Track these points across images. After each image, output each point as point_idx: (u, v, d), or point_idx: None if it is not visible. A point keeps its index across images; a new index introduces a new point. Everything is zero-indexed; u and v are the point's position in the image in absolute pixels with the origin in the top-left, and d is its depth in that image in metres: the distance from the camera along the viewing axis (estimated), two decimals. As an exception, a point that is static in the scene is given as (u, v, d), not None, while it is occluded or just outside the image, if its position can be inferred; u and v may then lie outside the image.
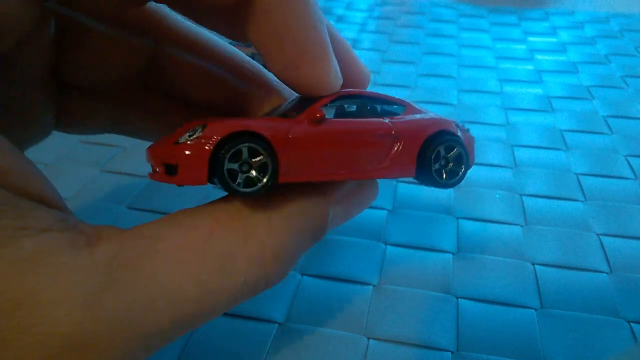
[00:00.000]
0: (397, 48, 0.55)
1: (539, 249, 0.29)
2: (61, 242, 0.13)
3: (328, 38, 0.19)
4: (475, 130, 0.40)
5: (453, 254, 0.29)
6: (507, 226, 0.31)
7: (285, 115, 0.19)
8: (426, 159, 0.20)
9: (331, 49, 0.19)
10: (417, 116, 0.21)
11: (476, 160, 0.36)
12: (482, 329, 0.24)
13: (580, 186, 0.34)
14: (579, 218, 0.31)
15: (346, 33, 0.58)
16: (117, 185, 0.34)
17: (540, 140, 0.39)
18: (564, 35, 0.58)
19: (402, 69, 0.51)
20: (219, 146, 0.16)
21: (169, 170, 0.17)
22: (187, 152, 0.16)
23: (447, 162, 0.21)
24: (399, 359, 0.23)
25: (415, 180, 0.21)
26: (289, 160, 0.17)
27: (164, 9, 0.23)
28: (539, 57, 0.53)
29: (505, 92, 0.46)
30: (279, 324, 0.25)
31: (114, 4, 0.20)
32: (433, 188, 0.21)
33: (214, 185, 0.20)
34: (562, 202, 0.33)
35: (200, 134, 0.16)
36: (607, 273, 0.27)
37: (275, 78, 0.23)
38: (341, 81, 0.20)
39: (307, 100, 0.19)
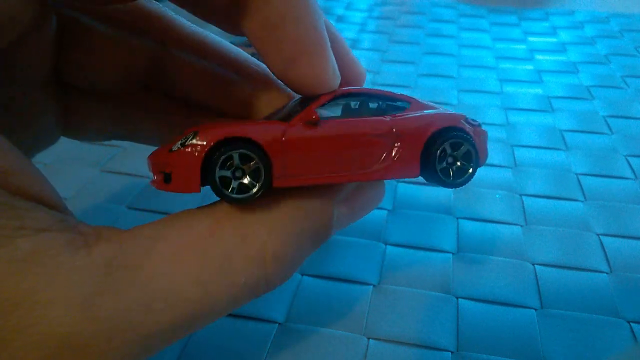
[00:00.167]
0: (397, 48, 0.55)
1: (539, 249, 0.29)
2: (59, 242, 0.13)
3: (326, 34, 0.18)
4: (475, 130, 0.40)
5: (453, 254, 0.29)
6: (507, 226, 0.31)
7: (288, 116, 0.19)
8: (430, 158, 0.19)
9: (329, 46, 0.19)
10: (422, 112, 0.20)
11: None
12: (482, 329, 0.24)
13: (580, 186, 0.34)
14: (579, 218, 0.31)
15: (346, 33, 0.58)
16: (117, 185, 0.34)
17: (540, 140, 0.39)
18: (564, 35, 0.58)
19: (402, 69, 0.51)
20: (210, 153, 0.16)
21: (165, 178, 0.17)
22: (178, 161, 0.16)
23: (455, 160, 0.20)
24: (399, 359, 0.23)
25: (416, 180, 0.20)
26: (284, 164, 0.17)
27: (166, 9, 0.22)
28: (539, 57, 0.53)
29: (505, 92, 0.46)
30: (279, 324, 0.25)
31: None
32: (434, 187, 0.20)
33: None
34: (562, 202, 0.33)
35: (191, 141, 0.16)
36: (607, 273, 0.27)
37: None
38: (339, 79, 0.19)
39: (307, 101, 0.19)
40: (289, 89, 0.23)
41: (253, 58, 0.23)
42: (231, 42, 0.24)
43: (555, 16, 0.63)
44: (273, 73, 0.19)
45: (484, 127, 0.22)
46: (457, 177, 0.20)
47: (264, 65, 0.23)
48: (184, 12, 0.20)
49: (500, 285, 0.27)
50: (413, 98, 0.21)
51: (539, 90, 0.47)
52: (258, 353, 0.23)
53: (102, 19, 0.21)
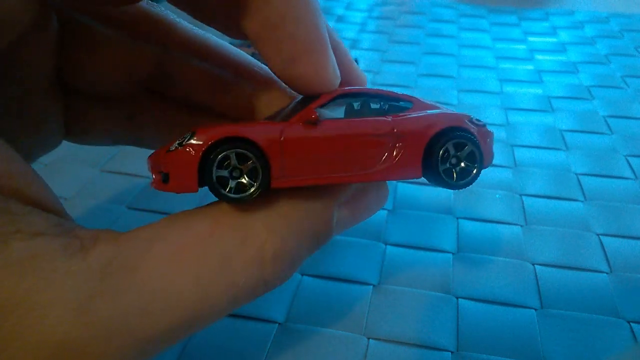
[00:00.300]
0: (397, 48, 0.55)
1: (539, 249, 0.29)
2: (54, 246, 0.13)
3: (326, 33, 0.18)
4: (475, 130, 0.40)
5: (453, 254, 0.29)
6: (507, 226, 0.31)
7: (289, 116, 0.19)
8: (433, 158, 0.18)
9: (329, 45, 0.18)
10: (425, 112, 0.20)
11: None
12: (482, 329, 0.24)
13: (580, 186, 0.34)
14: (579, 218, 0.31)
15: (346, 33, 0.58)
16: (117, 185, 0.34)
17: (540, 140, 0.39)
18: (564, 35, 0.58)
19: (402, 69, 0.51)
20: (207, 153, 0.16)
21: (163, 178, 0.16)
22: (176, 161, 0.16)
23: (459, 161, 0.19)
24: (399, 359, 0.23)
25: (416, 180, 0.20)
26: (283, 164, 0.17)
27: (167, 12, 0.22)
28: (539, 57, 0.53)
29: (505, 92, 0.46)
30: (279, 324, 0.25)
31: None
32: (434, 187, 0.20)
33: None
34: (562, 202, 0.33)
35: (188, 141, 0.16)
36: (607, 273, 0.27)
37: None
38: (339, 79, 0.19)
39: (307, 101, 0.19)
40: (290, 90, 0.23)
41: (254, 59, 0.23)
42: (230, 43, 0.24)
43: (555, 16, 0.63)
44: (274, 72, 0.19)
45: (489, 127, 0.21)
46: (460, 179, 0.19)
47: (266, 67, 0.23)
48: (185, 14, 0.20)
49: (500, 285, 0.27)
50: (416, 98, 0.20)
51: (539, 90, 0.47)
52: (258, 353, 0.23)
53: (104, 21, 0.21)
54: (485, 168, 0.20)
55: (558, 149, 0.38)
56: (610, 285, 0.27)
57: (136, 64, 0.22)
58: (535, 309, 0.25)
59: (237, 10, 0.18)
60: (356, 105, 0.20)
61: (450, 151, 0.19)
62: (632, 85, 0.47)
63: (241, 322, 0.24)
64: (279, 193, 0.18)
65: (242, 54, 0.23)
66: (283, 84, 0.23)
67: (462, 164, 0.19)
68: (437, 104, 0.21)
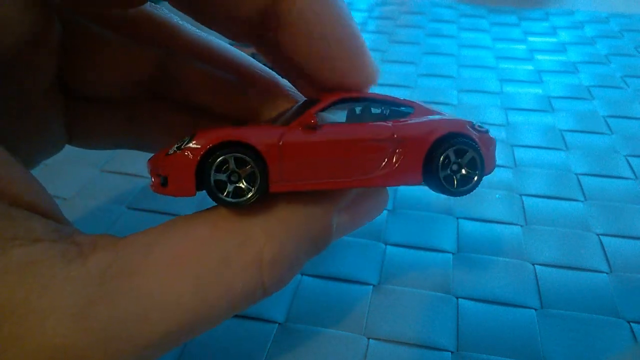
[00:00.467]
0: (397, 48, 0.55)
1: (539, 249, 0.29)
2: (53, 252, 0.13)
3: (359, 33, 0.19)
4: (475, 130, 0.40)
5: (453, 254, 0.29)
6: (507, 226, 0.31)
7: (290, 120, 0.19)
8: (433, 165, 0.18)
9: (364, 44, 0.19)
10: (426, 118, 0.19)
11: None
12: (482, 329, 0.24)
13: (580, 186, 0.34)
14: (579, 218, 0.31)
15: (346, 33, 0.58)
16: (117, 185, 0.34)
17: (540, 140, 0.39)
18: (564, 35, 0.58)
19: (402, 69, 0.51)
20: (205, 157, 0.16)
21: (162, 182, 0.16)
22: (174, 164, 0.16)
23: (460, 168, 0.19)
24: (399, 359, 0.23)
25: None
26: (281, 169, 0.16)
27: (171, 15, 0.22)
28: (539, 57, 0.53)
29: (505, 92, 0.46)
30: (279, 324, 0.25)
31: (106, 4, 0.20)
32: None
33: None
34: (562, 202, 0.33)
35: (187, 145, 0.16)
36: (607, 273, 0.27)
37: (287, 82, 0.23)
38: (379, 71, 0.19)
39: (308, 105, 0.19)
40: (296, 95, 0.23)
41: (258, 63, 0.23)
42: (230, 43, 0.23)
43: (555, 16, 0.63)
44: (312, 77, 0.19)
45: (491, 134, 0.21)
46: (461, 185, 0.19)
47: (269, 70, 0.23)
48: (188, 17, 0.20)
49: (500, 285, 0.27)
50: (417, 103, 0.20)
51: (539, 90, 0.47)
52: (258, 353, 0.23)
53: (107, 25, 0.21)
54: (487, 175, 0.20)
55: (558, 149, 0.38)
56: (610, 285, 0.27)
57: (138, 67, 0.22)
58: (535, 309, 0.25)
59: (265, 26, 0.18)
60: (357, 110, 0.20)
61: (451, 157, 0.19)
62: (632, 85, 0.47)
63: (241, 322, 0.24)
64: (278, 198, 0.17)
65: (245, 57, 0.23)
66: (286, 86, 0.23)
67: (463, 171, 0.19)
68: (438, 110, 0.21)
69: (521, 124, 0.42)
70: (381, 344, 0.23)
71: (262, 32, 0.18)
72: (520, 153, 0.38)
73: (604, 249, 0.29)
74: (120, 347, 0.14)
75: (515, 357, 0.23)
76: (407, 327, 0.24)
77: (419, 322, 0.24)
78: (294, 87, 0.23)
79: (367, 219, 0.21)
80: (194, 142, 0.16)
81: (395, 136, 0.18)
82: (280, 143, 0.17)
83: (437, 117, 0.20)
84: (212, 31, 0.21)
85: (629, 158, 0.37)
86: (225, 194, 0.16)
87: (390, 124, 0.19)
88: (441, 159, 0.18)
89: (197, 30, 0.23)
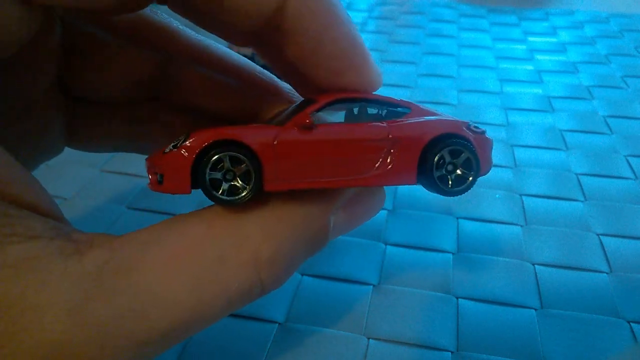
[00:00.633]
0: (397, 48, 0.55)
1: (539, 249, 0.29)
2: (50, 249, 0.13)
3: (361, 40, 0.19)
4: (475, 130, 0.40)
5: (453, 254, 0.29)
6: (507, 226, 0.31)
7: (286, 120, 0.19)
8: (427, 165, 0.18)
9: (368, 52, 0.19)
10: (422, 119, 0.20)
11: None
12: (482, 329, 0.24)
13: (580, 186, 0.34)
14: (579, 218, 0.31)
15: (346, 33, 0.58)
16: (117, 185, 0.34)
17: (540, 140, 0.39)
18: (564, 35, 0.58)
19: (402, 69, 0.51)
20: (200, 156, 0.16)
21: (158, 180, 0.17)
22: (170, 162, 0.16)
23: (455, 168, 0.19)
24: (399, 359, 0.23)
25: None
26: (276, 168, 0.17)
27: (170, 19, 0.22)
28: (539, 57, 0.53)
29: (505, 92, 0.47)
30: (279, 324, 0.25)
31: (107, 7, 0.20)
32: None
33: None
34: (562, 202, 0.33)
35: (182, 143, 0.16)
36: (607, 273, 0.27)
37: (286, 85, 0.23)
38: (381, 76, 0.20)
39: (305, 104, 0.19)
40: (295, 96, 0.23)
41: (257, 66, 0.23)
42: (227, 45, 0.24)
43: (555, 16, 0.63)
44: (317, 84, 0.19)
45: (483, 128, 0.21)
46: (456, 186, 0.19)
47: (267, 72, 0.23)
48: (187, 21, 0.20)
49: (500, 285, 0.27)
50: (414, 104, 0.20)
51: (539, 90, 0.47)
52: (258, 353, 0.23)
53: (107, 29, 0.21)
54: (482, 176, 0.20)
55: (558, 149, 0.38)
56: (610, 285, 0.27)
57: (138, 71, 0.22)
58: (535, 309, 0.25)
59: (269, 36, 0.18)
60: (355, 110, 0.20)
61: (446, 158, 0.19)
62: (632, 85, 0.47)
63: (241, 322, 0.24)
64: (275, 197, 0.17)
65: (245, 61, 0.23)
66: (285, 89, 0.23)
67: (458, 171, 0.19)
68: (435, 110, 0.21)
69: (521, 124, 0.42)
70: (381, 344, 0.24)
71: (260, 35, 0.18)
72: (520, 153, 0.38)
73: (604, 249, 0.29)
74: (116, 344, 0.14)
75: (515, 357, 0.23)
76: (407, 327, 0.24)
77: (419, 322, 0.24)
78: (293, 89, 0.23)
79: (364, 218, 0.21)
80: (189, 140, 0.16)
81: (390, 136, 0.18)
82: (275, 142, 0.17)
83: (433, 117, 0.20)
84: (210, 33, 0.21)
85: (629, 158, 0.37)
86: (220, 192, 0.16)
87: (385, 124, 0.19)
88: (436, 159, 0.19)
89: (196, 34, 0.23)
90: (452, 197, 0.33)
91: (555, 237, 0.30)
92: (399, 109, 0.20)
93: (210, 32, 0.20)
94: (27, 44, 0.17)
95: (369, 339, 0.24)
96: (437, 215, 0.31)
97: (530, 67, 0.51)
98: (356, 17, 0.63)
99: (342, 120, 0.20)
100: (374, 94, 0.20)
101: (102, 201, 0.32)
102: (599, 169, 0.36)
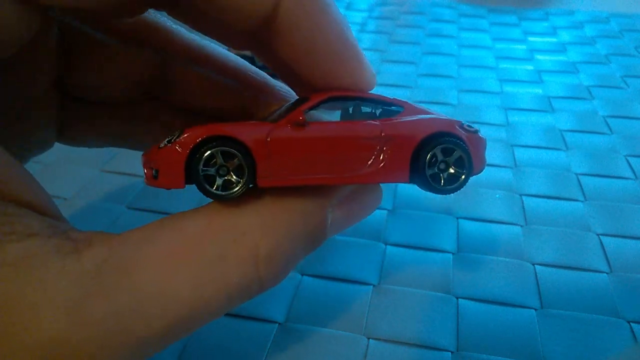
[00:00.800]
0: (397, 48, 0.55)
1: (539, 249, 0.29)
2: (47, 247, 0.13)
3: (355, 40, 0.19)
4: (475, 130, 0.40)
5: (453, 254, 0.29)
6: (507, 226, 0.31)
7: (280, 117, 0.19)
8: (419, 163, 0.19)
9: (361, 52, 0.19)
10: (415, 117, 0.20)
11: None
12: (482, 329, 0.24)
13: (580, 186, 0.34)
14: (579, 218, 0.31)
15: (346, 33, 0.58)
16: (117, 185, 0.34)
17: (540, 140, 0.39)
18: (564, 35, 0.58)
19: (402, 69, 0.51)
20: (193, 151, 0.16)
21: (154, 175, 0.17)
22: (164, 157, 0.16)
23: (447, 166, 0.19)
24: (399, 359, 0.23)
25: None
26: (269, 164, 0.17)
27: (165, 20, 0.23)
28: (539, 57, 0.53)
29: (505, 92, 0.47)
30: (279, 324, 0.25)
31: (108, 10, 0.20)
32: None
33: None
34: (562, 202, 0.33)
35: (177, 139, 0.16)
36: (607, 273, 0.27)
37: (280, 84, 0.23)
38: (375, 76, 0.20)
39: (299, 102, 0.19)
40: (286, 94, 0.23)
41: (253, 66, 0.24)
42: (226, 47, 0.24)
43: (555, 16, 0.63)
44: (311, 84, 0.20)
45: (483, 128, 0.21)
46: (448, 184, 0.19)
47: (262, 72, 0.24)
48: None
49: (500, 285, 0.27)
50: (407, 102, 0.21)
51: (539, 90, 0.47)
52: (258, 353, 0.23)
53: (104, 29, 0.21)
54: (476, 174, 0.20)
55: (558, 149, 0.38)
56: (610, 285, 0.27)
57: (135, 71, 0.22)
58: (535, 309, 0.25)
59: (263, 37, 0.18)
60: (350, 109, 0.20)
61: (438, 156, 0.19)
62: (632, 85, 0.47)
63: (241, 322, 0.24)
64: (272, 194, 0.18)
65: (240, 61, 0.23)
66: (282, 89, 0.23)
67: (451, 170, 0.19)
68: (428, 109, 0.21)
69: (521, 124, 0.42)
70: (381, 344, 0.24)
71: (257, 37, 0.19)
72: (520, 153, 0.38)
73: (604, 249, 0.29)
74: (116, 342, 0.14)
75: (515, 357, 0.23)
76: (407, 327, 0.24)
77: (419, 322, 0.24)
78: (290, 89, 0.23)
79: (361, 215, 0.21)
80: (183, 136, 0.16)
81: (383, 134, 0.18)
82: (268, 139, 0.17)
83: (426, 116, 0.20)
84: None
85: (629, 158, 0.37)
86: (215, 187, 0.16)
87: (378, 122, 0.19)
88: (428, 157, 0.19)
89: (192, 35, 0.23)
90: (452, 197, 0.33)
91: (555, 237, 0.30)
92: (392, 107, 0.20)
93: (210, 37, 0.20)
94: (27, 44, 0.17)
95: (368, 339, 0.24)
96: (437, 215, 0.31)
97: (530, 67, 0.51)
98: (356, 17, 0.63)
99: (333, 118, 0.20)
100: (367, 93, 0.20)
101: (102, 201, 0.32)
102: (599, 169, 0.36)
